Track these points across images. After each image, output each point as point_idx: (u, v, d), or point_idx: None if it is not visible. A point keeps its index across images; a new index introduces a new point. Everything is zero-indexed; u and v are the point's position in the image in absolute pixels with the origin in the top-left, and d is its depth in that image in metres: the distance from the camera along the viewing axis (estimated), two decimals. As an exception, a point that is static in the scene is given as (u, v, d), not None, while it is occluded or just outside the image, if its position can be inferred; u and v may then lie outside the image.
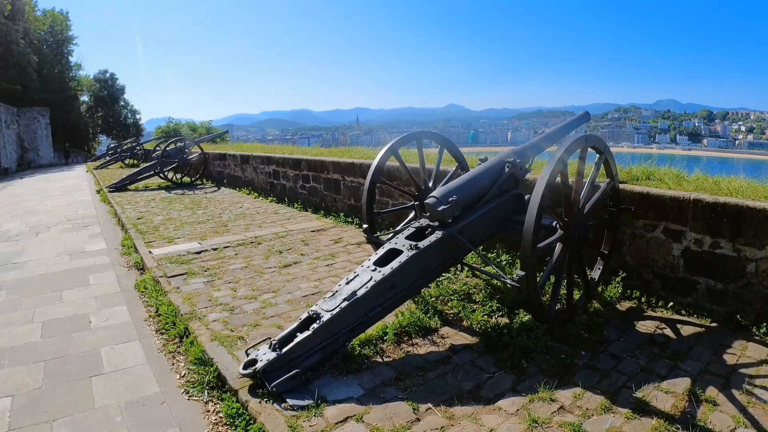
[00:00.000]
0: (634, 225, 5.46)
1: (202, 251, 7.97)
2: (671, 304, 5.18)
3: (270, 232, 9.19)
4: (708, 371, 3.95)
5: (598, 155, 5.01)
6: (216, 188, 16.99)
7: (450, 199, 4.58)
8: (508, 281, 4.30)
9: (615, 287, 5.46)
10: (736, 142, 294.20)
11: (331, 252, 7.69)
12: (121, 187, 17.78)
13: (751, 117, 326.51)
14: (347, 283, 4.23)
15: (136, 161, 29.54)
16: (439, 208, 4.53)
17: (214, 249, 8.10)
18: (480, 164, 5.39)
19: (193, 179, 18.96)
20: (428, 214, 4.76)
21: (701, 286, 5.01)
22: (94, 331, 5.34)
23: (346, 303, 3.95)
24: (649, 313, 5.14)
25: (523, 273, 4.04)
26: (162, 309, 5.60)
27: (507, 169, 5.13)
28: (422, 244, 4.43)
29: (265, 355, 3.80)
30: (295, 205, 11.90)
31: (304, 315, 4.03)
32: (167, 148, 18.99)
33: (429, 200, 4.64)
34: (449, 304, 5.25)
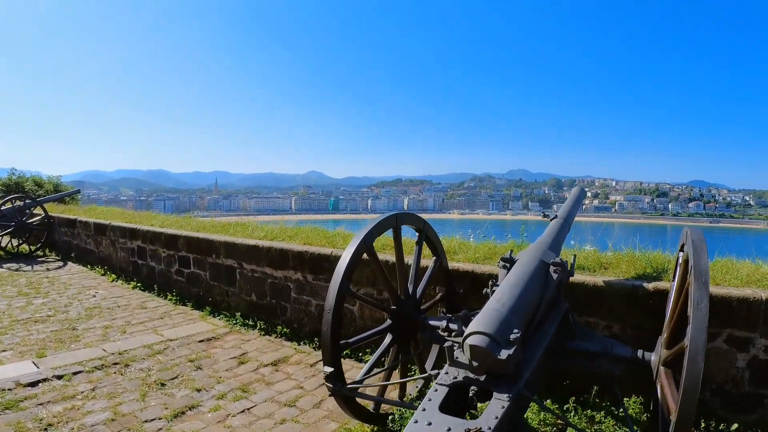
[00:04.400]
0: (689, 334, 4.16)
1: (38, 381, 5.41)
2: (735, 425, 4.24)
3: (140, 344, 6.73)
4: None
5: (681, 253, 3.69)
6: (62, 263, 13.75)
7: (513, 336, 2.76)
8: None
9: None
10: (583, 206, 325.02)
11: (241, 382, 5.44)
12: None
13: (596, 183, 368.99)
14: None
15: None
16: (502, 355, 2.66)
17: (59, 377, 5.55)
18: (503, 265, 3.91)
19: (33, 249, 15.41)
20: (468, 359, 2.83)
21: (768, 400, 4.17)
22: None
23: None
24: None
25: None
26: None
27: (555, 275, 3.67)
28: (488, 425, 2.46)
29: None
30: (169, 296, 9.34)
31: None
32: (2, 207, 15.31)
33: (475, 339, 2.75)
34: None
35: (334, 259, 6.35)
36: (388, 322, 4.14)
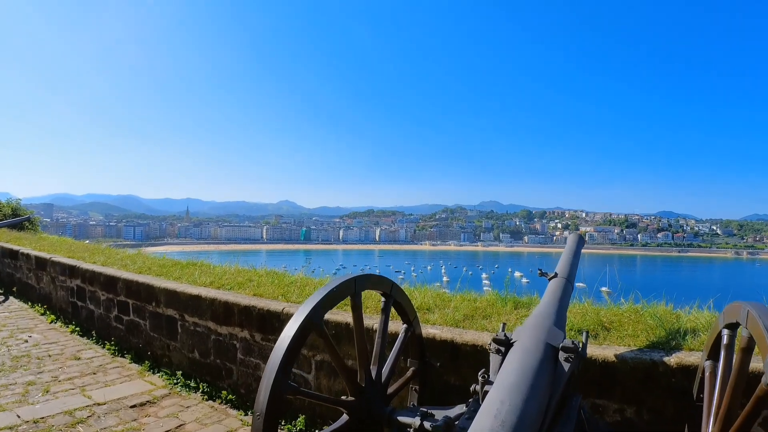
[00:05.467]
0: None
1: None
2: None
3: (62, 409, 5.67)
4: None
5: (727, 330, 2.83)
6: (3, 298, 12.49)
7: None
8: None
9: None
10: (554, 237, 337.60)
11: (170, 472, 4.46)
12: None
13: (566, 215, 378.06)
14: None
15: None
16: None
17: (-51, 458, 4.55)
18: (496, 349, 3.02)
19: (-26, 281, 14.06)
20: None
21: None
22: None
23: None
24: None
25: None
26: None
27: (567, 365, 2.79)
28: None
29: None
30: (107, 346, 8.21)
31: None
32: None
33: None
34: None
35: (285, 318, 5.36)
36: (344, 417, 3.17)
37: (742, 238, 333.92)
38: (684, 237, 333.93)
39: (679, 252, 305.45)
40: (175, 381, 6.64)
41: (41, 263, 11.54)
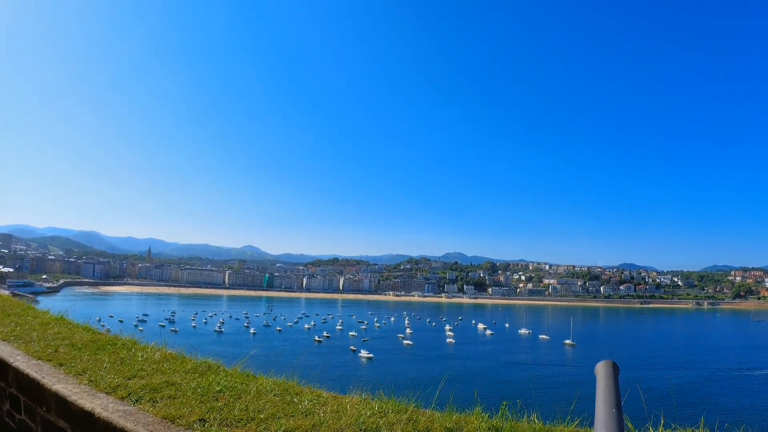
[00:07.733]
0: None
1: None
2: None
3: None
4: None
5: None
6: None
7: None
8: None
9: None
10: (518, 290, 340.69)
11: None
12: None
13: (530, 267, 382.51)
14: None
15: None
16: None
17: None
18: None
19: None
20: None
21: None
22: None
23: None
24: None
25: None
26: None
27: None
28: None
29: None
30: (-4, 447, 6.51)
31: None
32: None
33: None
34: None
35: None
36: None
37: (703, 289, 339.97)
38: (646, 289, 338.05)
39: (641, 304, 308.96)
40: None
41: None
